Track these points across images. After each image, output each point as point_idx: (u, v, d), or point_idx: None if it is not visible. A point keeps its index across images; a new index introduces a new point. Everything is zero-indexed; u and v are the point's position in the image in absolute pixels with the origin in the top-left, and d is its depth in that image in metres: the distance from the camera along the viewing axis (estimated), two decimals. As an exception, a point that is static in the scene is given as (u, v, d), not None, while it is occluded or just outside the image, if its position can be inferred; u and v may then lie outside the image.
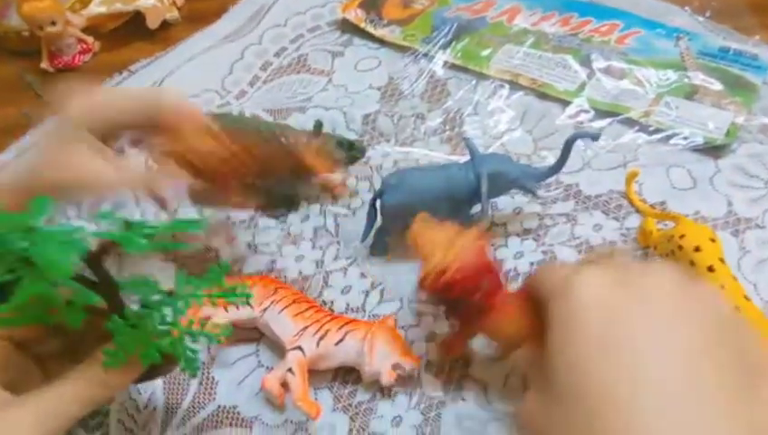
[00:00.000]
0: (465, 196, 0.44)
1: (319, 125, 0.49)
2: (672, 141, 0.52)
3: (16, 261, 0.26)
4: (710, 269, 0.37)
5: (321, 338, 0.42)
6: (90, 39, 0.72)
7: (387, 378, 0.41)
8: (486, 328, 0.37)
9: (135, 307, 0.32)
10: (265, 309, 0.44)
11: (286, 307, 0.43)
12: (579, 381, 0.22)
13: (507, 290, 0.38)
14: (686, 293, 0.23)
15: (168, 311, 0.33)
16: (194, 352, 0.35)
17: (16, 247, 0.26)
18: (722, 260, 0.38)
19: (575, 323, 0.24)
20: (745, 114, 0.52)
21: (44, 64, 0.70)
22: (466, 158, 0.45)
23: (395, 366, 0.41)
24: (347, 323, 0.43)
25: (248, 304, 0.40)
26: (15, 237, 0.26)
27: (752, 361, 0.22)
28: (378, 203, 0.46)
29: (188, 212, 0.49)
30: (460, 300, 0.36)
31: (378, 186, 0.53)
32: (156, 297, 0.32)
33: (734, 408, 0.20)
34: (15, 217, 0.26)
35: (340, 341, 0.42)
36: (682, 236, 0.39)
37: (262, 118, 0.55)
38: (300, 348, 0.41)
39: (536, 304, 0.30)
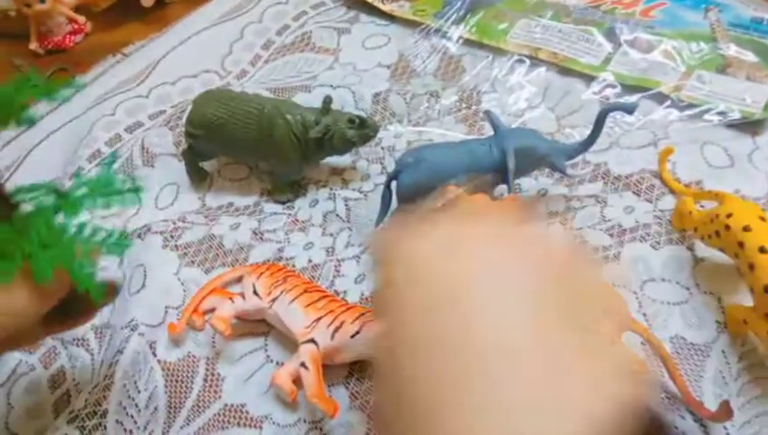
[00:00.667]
0: (488, 173, 0.41)
1: (328, 101, 0.46)
2: (706, 117, 0.48)
3: None
4: (762, 250, 0.34)
5: (336, 330, 0.38)
6: (81, 18, 0.68)
7: None
8: None
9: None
10: (274, 299, 0.40)
11: (297, 297, 0.40)
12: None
13: None
14: (513, 242, 0.23)
15: (59, 215, 0.29)
16: (90, 275, 0.29)
17: None
18: (776, 240, 0.35)
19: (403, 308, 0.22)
20: (783, 87, 0.48)
21: (33, 46, 0.67)
22: (487, 136, 0.42)
23: None
24: (363, 314, 0.39)
25: (138, 197, 0.32)
26: None
27: (590, 301, 0.21)
28: (393, 184, 0.43)
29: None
30: None
31: (390, 168, 0.50)
32: (48, 199, 0.29)
33: (579, 359, 0.20)
34: None
35: (357, 333, 0.38)
36: (729, 216, 0.36)
37: (264, 96, 0.51)
38: (313, 341, 0.38)
39: None
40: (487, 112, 0.42)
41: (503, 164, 0.40)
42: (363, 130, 0.46)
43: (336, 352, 0.39)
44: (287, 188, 0.50)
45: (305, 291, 0.41)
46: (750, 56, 0.51)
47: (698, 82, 0.50)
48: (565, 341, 0.20)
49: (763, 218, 0.35)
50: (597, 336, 0.21)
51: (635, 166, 0.47)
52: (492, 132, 0.42)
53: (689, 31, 0.53)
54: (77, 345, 0.44)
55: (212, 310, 0.42)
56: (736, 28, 0.53)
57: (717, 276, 0.40)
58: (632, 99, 0.50)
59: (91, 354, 0.44)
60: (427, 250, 0.22)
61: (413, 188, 0.41)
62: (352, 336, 0.38)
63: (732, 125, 0.48)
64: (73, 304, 0.31)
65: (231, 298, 0.41)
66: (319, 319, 0.39)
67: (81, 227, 0.30)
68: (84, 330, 0.45)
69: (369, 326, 0.38)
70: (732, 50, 0.51)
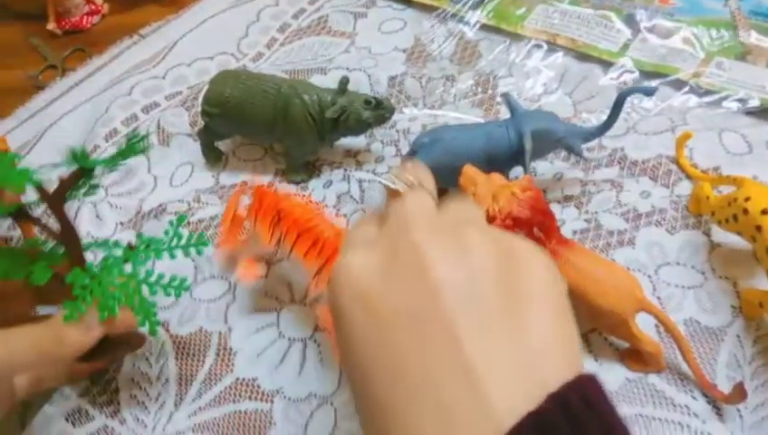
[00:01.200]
0: (504, 156, 0.41)
1: (345, 82, 0.46)
2: (725, 104, 0.48)
3: None
4: (782, 233, 0.34)
5: None
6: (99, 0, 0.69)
7: None
8: None
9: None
10: (278, 242, 0.39)
11: (294, 245, 0.39)
12: None
13: (561, 237, 0.36)
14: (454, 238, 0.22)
15: (128, 266, 0.35)
16: (152, 305, 0.35)
17: None
18: (795, 224, 0.34)
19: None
20: (804, 75, 0.48)
21: (51, 26, 0.67)
22: (504, 118, 0.42)
23: None
24: None
25: (199, 251, 0.36)
26: None
27: (521, 287, 0.21)
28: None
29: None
30: None
31: (404, 151, 0.50)
32: (117, 252, 0.35)
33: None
34: None
35: None
36: (747, 199, 0.36)
37: (280, 77, 0.51)
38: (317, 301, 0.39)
39: None
40: (505, 95, 0.42)
41: (519, 146, 0.40)
42: (379, 111, 0.46)
43: None
44: (302, 168, 0.50)
45: (298, 235, 0.38)
46: (770, 44, 0.50)
47: (717, 69, 0.49)
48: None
49: (782, 202, 0.35)
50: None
51: (652, 151, 0.46)
52: (509, 115, 0.42)
53: (709, 18, 0.53)
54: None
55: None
56: (757, 16, 0.53)
57: (733, 261, 0.40)
58: (651, 85, 0.50)
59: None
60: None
61: (429, 167, 0.41)
62: None
63: (750, 112, 0.47)
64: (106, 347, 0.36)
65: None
66: (320, 270, 0.38)
67: (148, 273, 0.35)
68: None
69: None
70: (752, 37, 0.51)
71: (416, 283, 0.20)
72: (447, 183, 0.43)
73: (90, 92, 0.60)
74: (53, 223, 0.34)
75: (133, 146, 0.34)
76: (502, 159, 0.41)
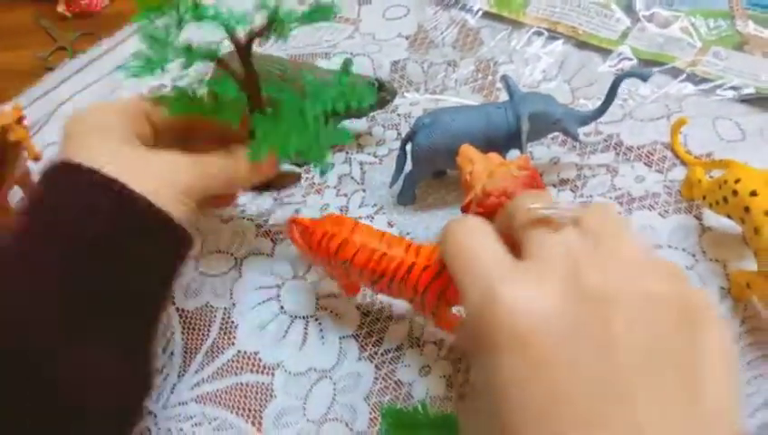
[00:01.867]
0: (502, 138, 0.41)
1: (348, 63, 0.47)
2: (719, 92, 0.49)
3: None
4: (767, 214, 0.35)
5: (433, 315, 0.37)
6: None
7: None
8: None
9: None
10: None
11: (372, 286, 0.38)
12: None
13: None
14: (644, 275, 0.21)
15: (303, 109, 0.37)
16: (326, 150, 0.38)
17: None
18: (782, 206, 0.35)
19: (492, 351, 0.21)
20: (800, 64, 0.49)
21: (61, 8, 0.68)
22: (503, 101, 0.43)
23: None
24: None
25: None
26: None
27: (698, 347, 0.20)
28: (408, 147, 0.44)
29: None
30: None
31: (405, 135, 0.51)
32: (293, 96, 0.38)
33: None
34: None
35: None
36: (737, 181, 0.37)
37: (286, 59, 0.52)
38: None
39: None
40: (504, 77, 0.43)
41: (517, 128, 0.41)
42: (381, 93, 0.47)
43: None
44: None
45: (372, 281, 0.37)
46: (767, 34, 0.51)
47: (714, 58, 0.50)
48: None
49: (770, 185, 0.36)
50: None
51: (647, 138, 0.47)
52: (508, 98, 0.43)
53: (707, 8, 0.54)
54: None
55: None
56: (755, 7, 0.53)
57: (723, 244, 0.41)
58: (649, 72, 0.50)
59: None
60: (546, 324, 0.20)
61: (428, 149, 0.42)
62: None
63: (745, 100, 0.48)
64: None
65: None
66: (411, 302, 0.37)
67: (317, 116, 0.38)
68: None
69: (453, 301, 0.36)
70: (750, 27, 0.51)
71: (594, 336, 0.19)
72: (447, 165, 0.45)
73: (98, 74, 0.61)
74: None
75: (322, 9, 0.36)
76: (500, 141, 0.42)
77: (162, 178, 0.33)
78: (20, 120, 0.41)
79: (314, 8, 0.36)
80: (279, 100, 0.38)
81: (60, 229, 0.31)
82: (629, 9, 0.55)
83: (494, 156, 0.38)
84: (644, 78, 0.40)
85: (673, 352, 0.20)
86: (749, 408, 0.35)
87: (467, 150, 0.39)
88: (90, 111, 0.35)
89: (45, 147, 0.53)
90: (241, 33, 0.35)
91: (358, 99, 0.38)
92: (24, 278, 0.30)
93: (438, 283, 0.35)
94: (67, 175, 0.32)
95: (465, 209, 0.37)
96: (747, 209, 0.36)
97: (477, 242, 0.25)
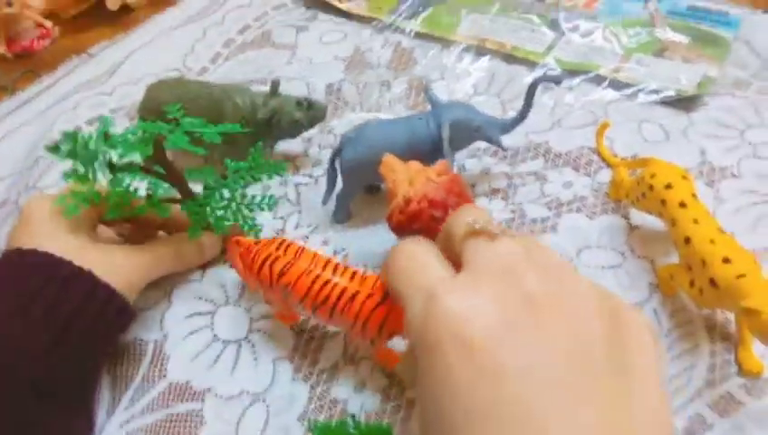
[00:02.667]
0: (427, 148, 0.42)
1: (276, 84, 0.47)
2: (641, 96, 0.50)
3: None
4: (682, 205, 0.35)
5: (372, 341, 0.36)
6: (49, 23, 0.70)
7: None
8: None
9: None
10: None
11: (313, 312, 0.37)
12: None
13: None
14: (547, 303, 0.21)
15: (225, 191, 0.43)
16: (252, 218, 0.44)
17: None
18: (694, 196, 0.36)
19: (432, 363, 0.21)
20: (717, 68, 0.50)
21: (1, 49, 0.68)
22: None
23: None
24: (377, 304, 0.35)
25: (281, 173, 0.43)
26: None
27: (627, 360, 0.21)
28: (337, 162, 0.44)
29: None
30: (427, 231, 0.35)
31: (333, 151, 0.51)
32: (212, 183, 0.43)
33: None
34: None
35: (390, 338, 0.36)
36: (653, 176, 0.37)
37: (214, 83, 0.52)
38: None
39: None
40: (426, 90, 0.43)
41: (439, 137, 0.41)
42: (311, 111, 0.47)
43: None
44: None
45: (312, 307, 0.36)
46: (686, 40, 0.53)
47: (636, 64, 0.52)
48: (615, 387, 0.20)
49: (684, 177, 0.37)
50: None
51: (575, 144, 0.48)
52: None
53: (629, 19, 0.56)
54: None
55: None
56: (674, 15, 0.55)
57: (650, 241, 0.41)
58: (573, 82, 0.52)
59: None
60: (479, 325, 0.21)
61: (355, 162, 0.43)
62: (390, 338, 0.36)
63: (668, 104, 0.49)
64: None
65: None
66: (350, 330, 0.36)
67: (243, 196, 0.43)
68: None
69: (397, 331, 0.35)
70: (668, 34, 0.53)
71: (532, 339, 0.20)
72: (375, 178, 0.45)
73: (36, 110, 0.61)
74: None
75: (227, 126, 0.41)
76: (424, 151, 0.42)
77: (116, 280, 0.38)
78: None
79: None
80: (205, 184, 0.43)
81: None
82: (554, 24, 0.57)
83: (414, 164, 0.38)
84: (557, 81, 0.41)
85: (608, 354, 0.20)
86: (680, 399, 0.35)
87: (389, 160, 0.39)
88: (46, 199, 0.39)
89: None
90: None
91: (272, 171, 0.43)
92: None
93: (381, 311, 0.34)
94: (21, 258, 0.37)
95: (389, 218, 0.37)
96: (663, 202, 0.36)
97: (419, 260, 0.26)
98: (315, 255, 0.37)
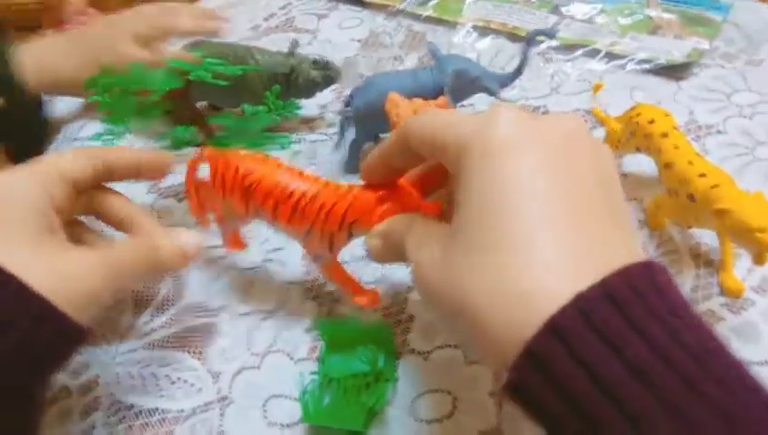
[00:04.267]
0: (430, 96, 0.45)
1: (295, 45, 0.51)
2: (633, 64, 0.54)
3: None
4: (664, 135, 0.38)
5: (331, 244, 0.37)
6: (92, 10, 0.76)
7: None
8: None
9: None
10: (256, 213, 0.39)
11: (274, 214, 0.37)
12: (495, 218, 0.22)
13: None
14: (580, 136, 0.24)
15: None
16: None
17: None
18: (675, 128, 0.39)
19: (495, 154, 0.23)
20: (707, 43, 0.54)
21: (51, 33, 0.74)
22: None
23: None
24: (343, 207, 0.35)
25: (295, 114, 0.48)
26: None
27: (617, 209, 0.23)
28: (348, 110, 0.48)
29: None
30: None
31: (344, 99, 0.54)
32: (233, 124, 0.46)
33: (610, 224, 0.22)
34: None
35: (350, 236, 0.36)
36: (638, 114, 0.41)
37: (235, 44, 0.57)
38: (317, 257, 0.38)
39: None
40: (429, 44, 0.47)
41: (442, 86, 0.45)
42: (326, 71, 0.52)
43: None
44: None
45: (275, 204, 0.37)
46: (678, 20, 0.57)
47: (631, 40, 0.56)
48: (600, 204, 0.22)
49: (667, 115, 0.40)
50: (621, 201, 0.24)
51: (571, 107, 0.52)
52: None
53: (625, 5, 0.60)
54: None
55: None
56: (667, 2, 0.60)
57: (641, 185, 0.44)
58: (571, 55, 0.56)
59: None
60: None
61: (365, 108, 0.47)
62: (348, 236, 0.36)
63: (660, 74, 0.53)
64: None
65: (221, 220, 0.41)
66: (309, 231, 0.37)
67: (263, 135, 0.48)
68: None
69: (357, 223, 0.35)
70: (662, 16, 0.57)
71: (567, 168, 0.23)
72: (383, 126, 0.48)
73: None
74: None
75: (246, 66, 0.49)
76: (427, 99, 0.46)
77: (65, 291, 0.30)
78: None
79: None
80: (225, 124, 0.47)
81: None
82: (556, 9, 0.61)
83: (417, 100, 0.42)
84: (551, 35, 0.45)
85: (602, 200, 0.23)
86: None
87: (394, 97, 0.42)
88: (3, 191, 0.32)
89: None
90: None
91: (288, 111, 0.47)
92: None
93: (343, 202, 0.35)
94: None
95: None
96: (648, 136, 0.39)
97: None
98: (281, 164, 0.38)
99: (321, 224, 0.36)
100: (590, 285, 0.19)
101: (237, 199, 0.38)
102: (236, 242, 0.43)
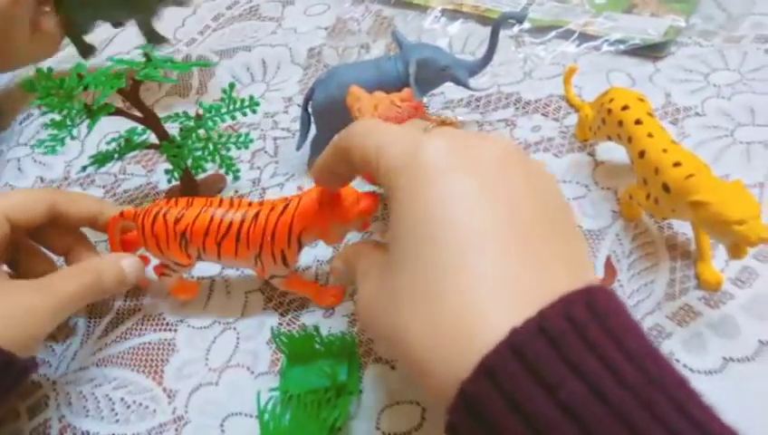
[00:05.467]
0: (394, 86, 0.43)
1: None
2: (608, 46, 0.51)
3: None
4: (637, 122, 0.36)
5: (284, 259, 0.36)
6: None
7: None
8: None
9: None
10: (199, 256, 0.38)
11: (219, 249, 0.36)
12: (421, 239, 0.21)
13: None
14: (513, 161, 0.23)
15: (201, 131, 0.44)
16: (230, 158, 0.46)
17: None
18: (650, 114, 0.37)
19: (423, 184, 0.22)
20: (684, 20, 0.51)
21: None
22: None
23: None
24: (284, 221, 0.35)
25: (254, 110, 0.43)
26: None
27: (561, 232, 0.22)
28: (310, 106, 0.46)
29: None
30: None
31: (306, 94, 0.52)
32: (189, 123, 0.44)
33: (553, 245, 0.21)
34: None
35: (299, 245, 0.36)
36: (611, 100, 0.38)
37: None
38: (273, 277, 0.37)
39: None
40: (393, 32, 0.45)
41: (407, 76, 0.43)
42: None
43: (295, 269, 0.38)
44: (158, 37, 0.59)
45: (218, 243, 0.36)
46: (655, -2, 0.54)
47: (606, 19, 0.53)
48: (539, 229, 0.21)
49: (641, 99, 0.38)
50: (566, 226, 0.23)
51: (544, 93, 0.49)
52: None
53: (600, -18, 0.57)
54: None
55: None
56: (644, -22, 0.57)
57: (615, 175, 0.42)
58: (545, 38, 0.53)
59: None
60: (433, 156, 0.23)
61: (326, 102, 0.44)
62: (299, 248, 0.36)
63: (636, 54, 0.50)
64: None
65: (162, 273, 0.40)
66: (258, 256, 0.36)
67: (219, 135, 0.45)
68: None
69: (305, 231, 0.35)
70: (638, -7, 0.55)
71: (499, 192, 0.22)
72: (345, 120, 0.46)
73: None
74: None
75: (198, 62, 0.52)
76: (393, 90, 0.43)
77: (10, 332, 0.31)
78: None
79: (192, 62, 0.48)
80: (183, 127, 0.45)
81: None
82: (528, -10, 0.58)
83: (379, 93, 0.39)
84: (520, 19, 0.42)
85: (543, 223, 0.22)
86: (640, 313, 0.35)
87: (355, 90, 0.40)
88: None
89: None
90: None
91: (247, 108, 0.44)
92: None
93: (286, 217, 0.35)
94: None
95: None
96: (621, 123, 0.37)
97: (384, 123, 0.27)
98: (207, 199, 0.37)
99: (269, 245, 0.35)
100: (526, 319, 0.17)
101: (175, 249, 0.37)
102: (185, 288, 0.41)
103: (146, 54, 0.41)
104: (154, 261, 0.40)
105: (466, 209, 0.21)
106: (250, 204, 0.36)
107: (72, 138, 0.41)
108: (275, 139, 0.52)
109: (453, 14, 0.59)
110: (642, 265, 0.37)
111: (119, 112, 0.42)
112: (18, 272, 0.39)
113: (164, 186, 0.50)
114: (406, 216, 0.22)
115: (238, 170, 0.46)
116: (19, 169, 0.54)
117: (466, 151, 0.23)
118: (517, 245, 0.20)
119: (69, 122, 0.41)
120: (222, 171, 0.47)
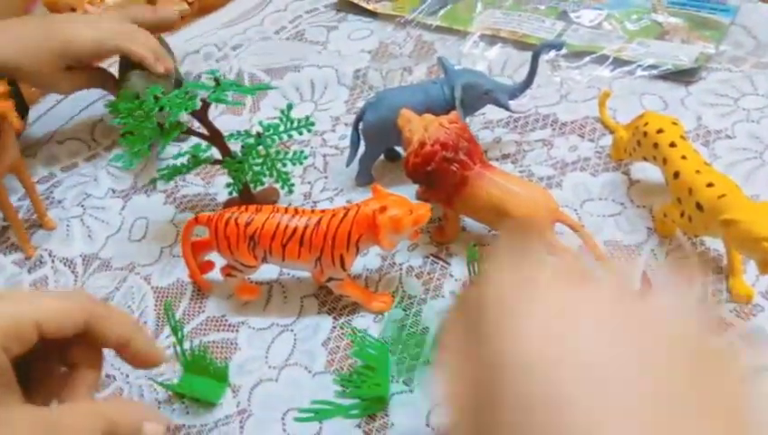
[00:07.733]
0: (440, 109, 0.46)
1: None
2: (641, 71, 0.54)
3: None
4: (672, 145, 0.39)
5: (342, 263, 0.40)
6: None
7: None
8: (465, 203, 0.41)
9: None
10: (264, 259, 0.41)
11: (283, 253, 0.40)
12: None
13: (485, 161, 0.42)
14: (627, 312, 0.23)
15: (259, 148, 0.48)
16: (286, 173, 0.49)
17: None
18: (683, 138, 0.39)
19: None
20: (714, 47, 0.54)
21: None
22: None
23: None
24: (344, 228, 0.39)
25: (309, 129, 0.47)
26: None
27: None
28: (360, 126, 0.49)
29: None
30: (439, 172, 0.40)
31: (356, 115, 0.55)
32: (250, 140, 0.47)
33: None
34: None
35: (357, 251, 0.40)
36: (646, 124, 0.41)
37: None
38: (331, 279, 0.41)
39: None
40: (440, 58, 0.48)
41: (453, 100, 0.46)
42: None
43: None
44: None
45: (283, 246, 0.40)
46: (686, 24, 0.57)
47: (639, 46, 0.56)
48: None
49: (675, 123, 0.40)
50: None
51: (580, 114, 0.52)
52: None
53: (633, 9, 0.60)
54: (64, 265, 0.50)
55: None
56: (674, 5, 0.60)
57: (650, 193, 0.45)
58: (580, 62, 0.56)
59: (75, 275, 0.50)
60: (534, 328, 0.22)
61: (376, 124, 0.47)
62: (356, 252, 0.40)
63: (668, 79, 0.53)
64: None
65: (228, 274, 0.43)
66: (319, 259, 0.40)
67: (276, 152, 0.48)
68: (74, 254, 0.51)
69: (362, 237, 0.39)
70: (669, 20, 0.58)
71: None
72: (395, 141, 0.49)
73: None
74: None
75: (261, 85, 0.53)
76: (439, 112, 0.46)
77: None
78: (2, 93, 0.46)
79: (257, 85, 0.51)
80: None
81: None
82: (564, 15, 0.61)
83: (428, 116, 0.43)
84: (557, 47, 0.45)
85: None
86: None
87: (405, 113, 0.44)
88: None
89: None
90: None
91: (302, 127, 0.47)
92: None
93: (346, 223, 0.39)
94: None
95: (406, 162, 0.42)
96: (656, 145, 0.40)
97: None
98: (274, 206, 0.41)
99: (329, 249, 0.39)
100: None
101: (244, 251, 0.41)
102: (248, 289, 0.45)
103: (215, 79, 0.45)
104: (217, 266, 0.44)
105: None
106: (312, 211, 0.40)
107: (147, 154, 0.45)
108: (324, 156, 0.55)
109: (491, 39, 0.62)
110: (675, 279, 0.39)
111: (189, 132, 0.46)
112: (28, 384, 0.31)
113: (221, 198, 0.53)
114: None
115: (293, 184, 0.50)
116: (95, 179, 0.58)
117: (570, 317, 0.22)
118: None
119: (146, 140, 0.45)
120: (277, 185, 0.51)
